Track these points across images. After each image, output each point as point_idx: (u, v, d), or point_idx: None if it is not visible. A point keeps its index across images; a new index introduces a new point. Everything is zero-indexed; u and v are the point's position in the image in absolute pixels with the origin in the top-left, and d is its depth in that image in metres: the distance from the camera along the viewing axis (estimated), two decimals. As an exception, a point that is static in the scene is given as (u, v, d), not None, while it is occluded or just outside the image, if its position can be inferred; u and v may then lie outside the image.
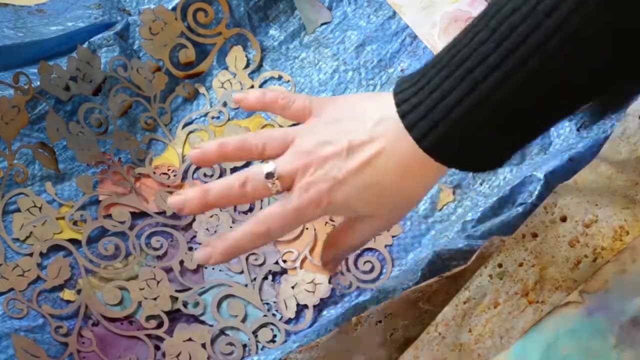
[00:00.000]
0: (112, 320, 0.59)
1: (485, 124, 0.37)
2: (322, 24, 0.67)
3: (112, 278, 0.60)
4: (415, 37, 0.64)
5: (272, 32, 0.67)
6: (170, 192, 0.63)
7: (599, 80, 0.36)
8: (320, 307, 0.59)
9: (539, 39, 0.35)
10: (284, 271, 0.60)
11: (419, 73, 0.39)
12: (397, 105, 0.39)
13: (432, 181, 0.42)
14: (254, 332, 0.58)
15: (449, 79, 0.37)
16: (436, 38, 0.64)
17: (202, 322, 0.59)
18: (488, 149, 0.39)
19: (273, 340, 0.58)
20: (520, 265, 0.48)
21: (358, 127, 0.41)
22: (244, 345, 0.58)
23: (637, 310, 0.43)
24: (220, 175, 0.63)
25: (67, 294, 0.60)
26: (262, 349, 0.58)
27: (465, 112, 0.37)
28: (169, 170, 0.64)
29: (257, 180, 0.42)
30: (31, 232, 0.61)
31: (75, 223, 0.62)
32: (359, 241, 0.46)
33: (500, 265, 0.49)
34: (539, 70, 0.35)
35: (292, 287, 0.59)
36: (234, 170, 0.64)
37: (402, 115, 0.39)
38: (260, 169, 0.42)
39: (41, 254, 0.60)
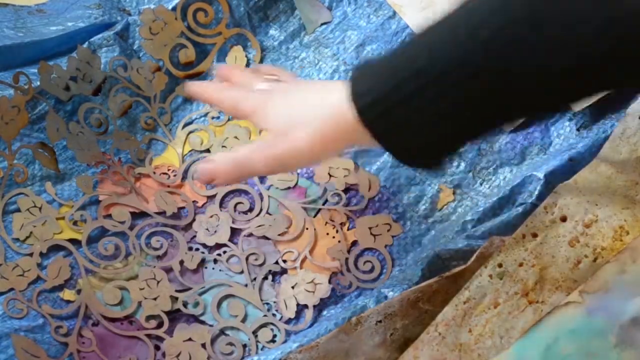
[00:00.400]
0: (112, 320, 0.59)
1: (413, 102, 0.38)
2: (322, 24, 0.67)
3: (112, 278, 0.60)
4: (415, 37, 0.64)
5: (272, 32, 0.67)
6: (170, 192, 0.63)
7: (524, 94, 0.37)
8: (320, 307, 0.59)
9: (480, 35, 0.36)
10: (284, 271, 0.60)
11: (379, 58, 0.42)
12: (350, 80, 0.41)
13: (333, 146, 0.43)
14: (254, 332, 0.58)
15: (394, 59, 0.40)
16: (436, 38, 0.64)
17: (202, 322, 0.59)
18: (413, 132, 0.39)
19: (273, 340, 0.58)
20: (520, 265, 0.48)
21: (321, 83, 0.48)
22: (244, 345, 0.58)
23: (637, 310, 0.43)
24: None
25: (67, 294, 0.60)
26: (262, 349, 0.58)
27: (397, 85, 0.38)
28: (169, 170, 0.64)
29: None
30: (31, 232, 0.61)
31: (75, 223, 0.62)
32: (239, 152, 0.46)
33: (500, 265, 0.49)
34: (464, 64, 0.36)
35: (292, 287, 0.59)
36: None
37: (350, 79, 0.41)
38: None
39: (41, 254, 0.60)
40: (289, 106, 0.44)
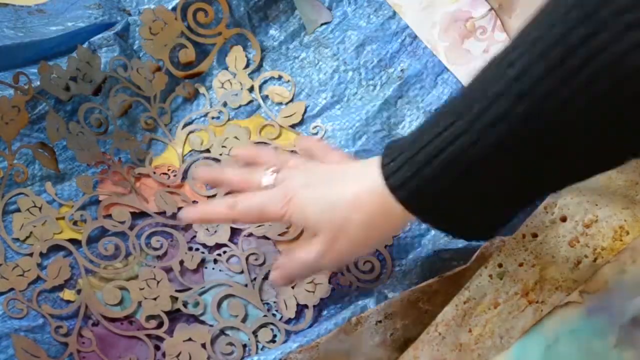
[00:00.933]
0: (112, 320, 0.59)
1: (454, 185, 0.39)
2: (322, 24, 0.67)
3: (112, 278, 0.60)
4: (415, 37, 0.64)
5: (272, 32, 0.67)
6: (170, 192, 0.63)
7: (566, 162, 0.37)
8: (320, 307, 0.59)
9: (504, 107, 0.36)
10: (284, 271, 0.60)
11: (407, 138, 0.42)
12: (381, 165, 0.42)
13: (388, 233, 0.46)
14: (254, 332, 0.58)
15: (426, 141, 0.40)
16: (436, 38, 0.64)
17: (202, 322, 0.59)
18: (460, 212, 0.40)
19: (273, 340, 0.58)
20: (521, 265, 0.48)
21: (344, 171, 0.46)
22: (244, 345, 0.58)
23: (637, 310, 0.43)
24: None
25: (67, 294, 0.60)
26: (262, 349, 0.58)
27: (437, 169, 0.39)
28: (169, 170, 0.64)
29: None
30: (31, 232, 0.61)
31: (75, 223, 0.62)
32: (303, 257, 0.47)
33: (500, 265, 0.49)
34: (502, 142, 0.36)
35: (292, 287, 0.59)
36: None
37: (382, 166, 0.42)
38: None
39: (41, 254, 0.60)
40: (322, 201, 0.45)
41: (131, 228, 0.62)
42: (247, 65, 0.67)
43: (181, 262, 0.60)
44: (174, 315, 0.59)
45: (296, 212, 0.46)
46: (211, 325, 0.59)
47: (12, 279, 0.59)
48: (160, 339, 0.58)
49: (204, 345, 0.58)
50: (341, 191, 0.44)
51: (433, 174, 0.39)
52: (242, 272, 0.60)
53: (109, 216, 0.62)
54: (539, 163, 0.36)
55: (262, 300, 0.59)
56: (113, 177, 0.63)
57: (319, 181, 0.46)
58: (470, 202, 0.39)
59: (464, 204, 0.39)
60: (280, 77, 0.66)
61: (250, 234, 0.61)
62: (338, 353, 0.50)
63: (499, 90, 0.36)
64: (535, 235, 0.49)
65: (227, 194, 0.62)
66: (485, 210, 0.40)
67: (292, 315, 0.58)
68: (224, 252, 0.61)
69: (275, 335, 0.58)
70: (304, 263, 0.47)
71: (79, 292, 0.60)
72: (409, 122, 0.63)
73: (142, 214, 0.62)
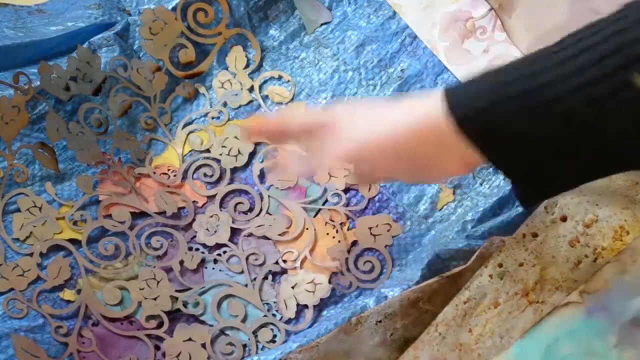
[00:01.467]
0: (112, 320, 0.59)
1: (527, 122, 0.36)
2: (322, 24, 0.67)
3: (112, 278, 0.60)
4: (415, 37, 0.64)
5: (272, 32, 0.67)
6: (170, 192, 0.63)
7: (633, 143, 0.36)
8: (320, 307, 0.59)
9: (586, 81, 0.35)
10: (284, 271, 0.60)
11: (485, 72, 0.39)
12: (446, 96, 0.38)
13: (446, 157, 0.40)
14: (254, 332, 0.58)
15: (507, 78, 0.37)
16: (436, 38, 0.64)
17: (202, 322, 0.59)
18: (528, 155, 0.38)
19: (273, 340, 0.58)
20: (521, 265, 0.48)
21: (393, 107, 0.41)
22: (244, 345, 0.58)
23: (637, 310, 0.43)
24: (220, 176, 0.63)
25: (67, 294, 0.60)
26: (262, 349, 0.58)
27: (500, 100, 0.36)
28: (168, 170, 0.64)
29: None
30: (31, 232, 0.61)
31: (75, 223, 0.62)
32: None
33: (500, 265, 0.49)
34: (588, 86, 0.36)
35: (292, 287, 0.59)
36: (233, 170, 0.64)
37: (445, 91, 0.38)
38: None
39: (41, 254, 0.60)
40: (371, 118, 0.41)
41: (131, 228, 0.62)
42: (247, 65, 0.67)
43: (181, 262, 0.60)
44: (174, 315, 0.59)
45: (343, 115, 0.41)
46: (211, 325, 0.59)
47: (12, 279, 0.59)
48: (160, 339, 0.58)
49: (204, 345, 0.58)
50: (394, 116, 0.40)
51: (509, 108, 0.37)
52: (242, 272, 0.60)
53: (109, 216, 0.62)
54: (611, 120, 0.36)
55: (262, 300, 0.59)
56: (113, 177, 0.63)
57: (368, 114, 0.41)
58: (539, 148, 0.37)
59: (533, 147, 0.37)
60: (280, 77, 0.66)
61: (250, 234, 0.61)
62: (338, 353, 0.50)
63: (594, 41, 0.35)
64: (535, 235, 0.49)
65: (224, 197, 0.63)
66: (552, 161, 0.38)
67: (292, 316, 0.58)
68: (224, 252, 0.61)
69: (275, 335, 0.58)
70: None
71: (79, 292, 0.60)
72: (409, 122, 0.63)
73: (142, 214, 0.62)
